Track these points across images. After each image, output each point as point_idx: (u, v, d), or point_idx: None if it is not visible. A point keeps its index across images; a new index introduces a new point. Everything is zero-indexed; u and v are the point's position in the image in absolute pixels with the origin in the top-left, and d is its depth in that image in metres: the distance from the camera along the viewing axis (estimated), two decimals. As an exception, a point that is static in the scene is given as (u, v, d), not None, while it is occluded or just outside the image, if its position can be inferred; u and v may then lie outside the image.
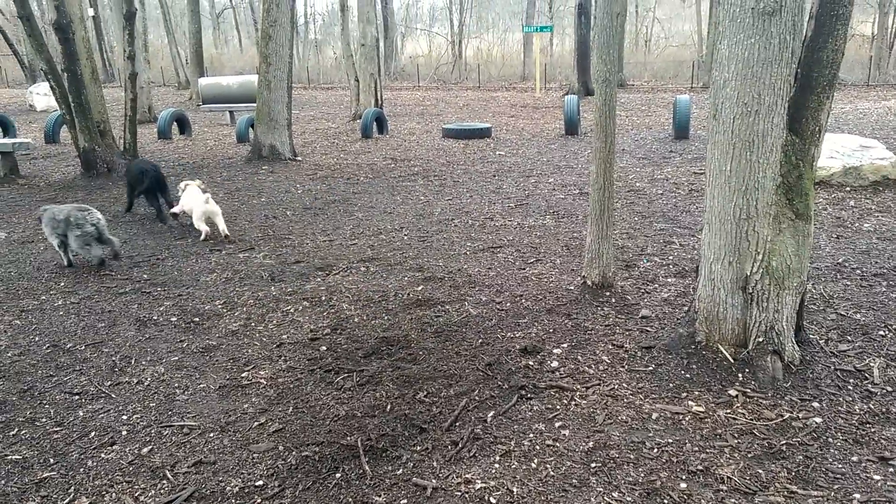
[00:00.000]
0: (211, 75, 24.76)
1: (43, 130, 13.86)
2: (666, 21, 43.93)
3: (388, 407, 2.91)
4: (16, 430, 2.93)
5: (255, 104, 18.17)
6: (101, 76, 9.12)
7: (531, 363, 3.27)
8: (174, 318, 4.13)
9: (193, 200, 6.05)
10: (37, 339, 3.90)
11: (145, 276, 5.02)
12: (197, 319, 4.11)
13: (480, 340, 3.58)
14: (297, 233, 6.16)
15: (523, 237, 5.72)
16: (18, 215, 7.15)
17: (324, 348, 3.60)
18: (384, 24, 31.20)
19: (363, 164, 9.91)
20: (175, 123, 13.83)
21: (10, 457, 2.72)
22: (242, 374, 3.35)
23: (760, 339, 3.03)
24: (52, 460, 2.69)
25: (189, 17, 23.17)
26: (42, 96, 22.83)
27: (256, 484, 2.46)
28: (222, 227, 5.93)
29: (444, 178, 8.59)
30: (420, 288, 4.50)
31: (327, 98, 24.50)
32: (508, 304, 4.10)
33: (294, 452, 2.64)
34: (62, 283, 4.88)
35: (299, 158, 10.21)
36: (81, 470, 2.62)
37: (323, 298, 4.38)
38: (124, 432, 2.87)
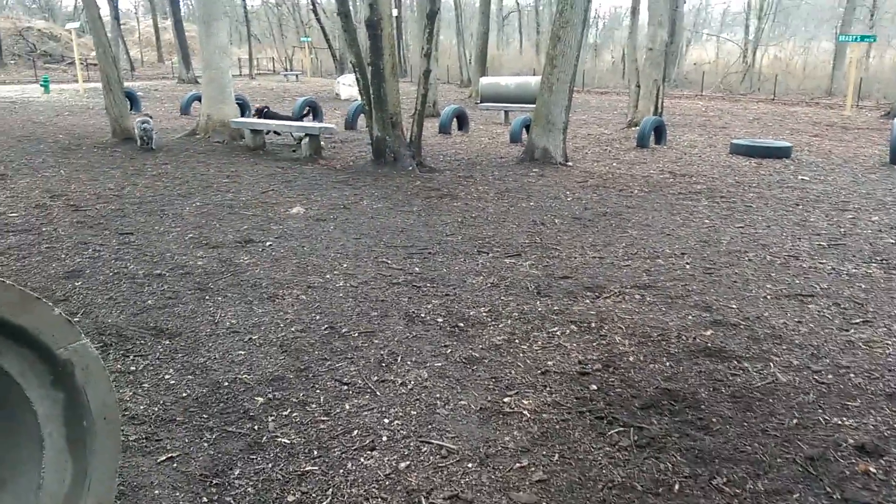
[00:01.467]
0: (490, 75, 25.68)
1: (344, 117, 15.50)
2: None
3: (677, 487, 2.38)
4: (289, 410, 2.98)
5: (529, 105, 18.32)
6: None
7: (872, 470, 2.47)
8: (440, 319, 4.04)
9: None
10: (317, 317, 4.07)
11: (416, 268, 5.07)
12: (461, 325, 3.96)
13: (795, 420, 2.84)
14: (565, 244, 5.80)
15: (842, 287, 4.66)
16: (316, 193, 7.88)
17: (594, 387, 3.17)
18: (671, 29, 29.54)
19: (638, 175, 9.24)
20: (455, 119, 14.46)
21: (280, 439, 2.75)
22: (504, 399, 3.06)
23: None
24: (315, 452, 2.66)
25: (479, 19, 24.30)
26: (346, 87, 25.77)
27: (515, 546, 2.13)
28: None
29: (732, 201, 7.58)
30: (709, 333, 3.83)
31: (600, 103, 23.93)
32: (830, 377, 3.26)
33: (559, 516, 2.26)
34: (345, 265, 5.13)
35: (570, 164, 9.88)
36: (341, 471, 2.53)
37: (592, 325, 3.95)
38: (384, 438, 2.76)
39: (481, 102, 21.73)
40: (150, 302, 4.26)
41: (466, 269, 5.08)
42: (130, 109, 17.96)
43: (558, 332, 3.83)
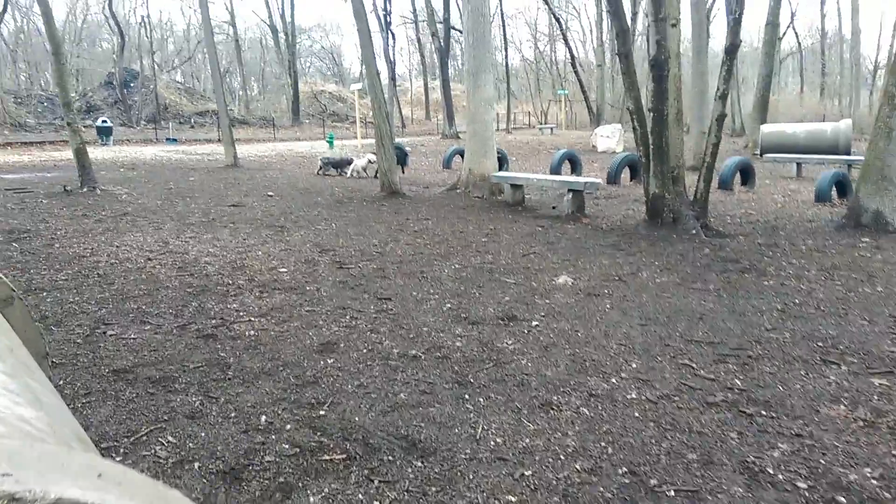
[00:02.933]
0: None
1: (606, 171, 14.43)
2: None
3: None
4: None
5: (825, 156, 15.49)
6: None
7: None
8: (801, 484, 2.65)
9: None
10: (609, 450, 2.95)
11: (737, 381, 3.71)
12: (842, 499, 2.53)
13: None
14: (964, 360, 3.95)
15: None
16: (583, 259, 6.85)
17: None
18: None
19: None
20: (738, 173, 12.53)
21: None
22: None
23: None
24: None
25: (762, 60, 21.71)
26: (604, 138, 24.80)
27: None
28: None
29: None
30: None
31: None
32: None
33: None
34: (634, 364, 3.96)
35: (915, 233, 7.55)
36: None
37: None
38: None
39: (762, 153, 19.16)
40: (402, 396, 3.53)
41: (814, 389, 3.58)
42: (399, 164, 19.04)
43: None
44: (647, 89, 8.09)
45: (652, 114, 7.89)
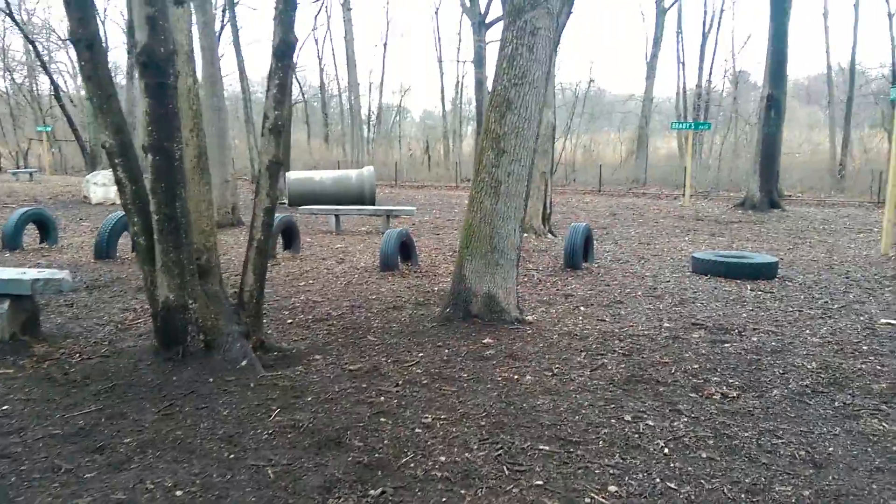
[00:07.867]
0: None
1: (95, 237, 9.81)
2: None
3: None
4: None
5: (350, 206, 14.16)
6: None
7: None
8: None
9: None
10: None
11: None
12: None
13: None
14: None
15: None
16: (28, 495, 2.69)
17: None
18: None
19: (660, 338, 5.36)
20: (280, 235, 9.67)
21: None
22: None
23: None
24: None
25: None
26: (99, 187, 19.45)
27: None
28: None
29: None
30: None
31: (429, 199, 20.54)
32: None
33: None
34: None
35: (530, 319, 5.72)
36: None
37: None
38: None
39: (291, 204, 17.12)
40: None
41: None
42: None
43: None
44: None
45: (150, 156, 4.18)
